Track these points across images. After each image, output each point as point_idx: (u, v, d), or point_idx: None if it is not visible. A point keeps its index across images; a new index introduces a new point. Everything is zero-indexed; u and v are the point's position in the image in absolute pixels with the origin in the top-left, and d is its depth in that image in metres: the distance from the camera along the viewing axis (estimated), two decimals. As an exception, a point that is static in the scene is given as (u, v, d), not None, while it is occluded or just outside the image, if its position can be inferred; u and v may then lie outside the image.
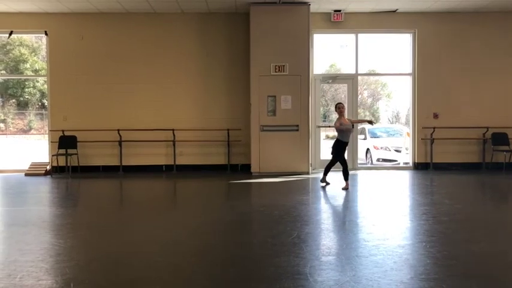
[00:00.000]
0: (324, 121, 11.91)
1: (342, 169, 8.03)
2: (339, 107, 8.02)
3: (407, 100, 11.51)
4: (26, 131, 28.38)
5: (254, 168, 10.11)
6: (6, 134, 25.85)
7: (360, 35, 10.89)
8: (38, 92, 27.46)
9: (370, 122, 8.90)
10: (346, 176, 8.00)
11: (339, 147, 8.02)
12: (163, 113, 10.56)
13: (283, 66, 10.04)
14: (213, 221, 5.68)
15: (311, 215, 5.94)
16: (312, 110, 10.42)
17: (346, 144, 8.08)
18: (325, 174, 8.29)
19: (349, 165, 10.71)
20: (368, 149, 13.37)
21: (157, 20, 10.57)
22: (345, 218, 5.81)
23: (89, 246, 4.49)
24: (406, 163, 11.49)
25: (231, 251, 4.27)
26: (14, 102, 27.83)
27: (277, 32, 9.97)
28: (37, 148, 16.69)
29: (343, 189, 7.87)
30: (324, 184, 8.31)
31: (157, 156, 10.64)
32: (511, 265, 3.85)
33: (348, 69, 11.37)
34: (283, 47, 9.98)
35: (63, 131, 10.40)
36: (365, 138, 13.54)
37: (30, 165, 10.66)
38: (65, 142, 10.31)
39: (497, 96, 10.72)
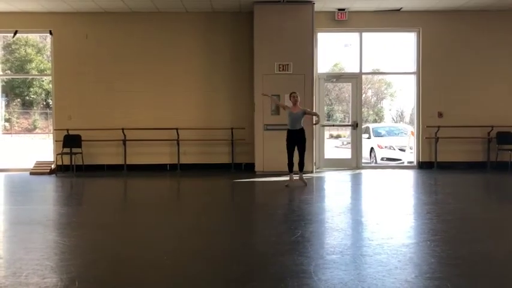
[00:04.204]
0: (328, 120, 11.89)
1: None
2: (293, 96, 8.05)
3: (411, 99, 11.48)
4: (30, 130, 28.51)
5: (258, 167, 10.11)
6: (11, 133, 25.95)
7: (364, 34, 10.86)
8: (43, 92, 27.58)
9: (317, 122, 8.48)
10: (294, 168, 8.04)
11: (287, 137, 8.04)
12: (167, 112, 10.57)
13: (287, 65, 10.03)
14: (217, 219, 5.68)
15: (315, 213, 5.94)
16: (316, 109, 10.39)
17: (290, 132, 7.98)
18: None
19: (353, 164, 10.79)
20: (372, 148, 13.34)
21: (162, 19, 10.58)
22: (349, 217, 5.80)
23: (94, 244, 4.50)
24: (411, 162, 11.45)
25: (235, 250, 4.28)
26: (18, 101, 27.96)
27: (281, 31, 9.96)
28: (42, 147, 16.74)
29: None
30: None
31: (161, 155, 10.65)
32: (516, 264, 3.84)
33: (352, 68, 11.34)
34: (287, 46, 9.97)
35: (67, 130, 10.44)
36: (369, 137, 13.52)
37: (35, 164, 10.70)
38: (69, 141, 10.35)
39: (502, 95, 10.67)
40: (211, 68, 10.66)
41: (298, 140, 7.98)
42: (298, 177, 8.13)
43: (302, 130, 8.00)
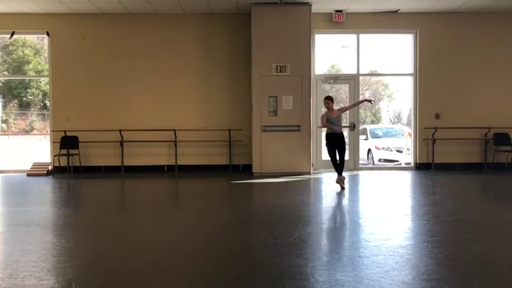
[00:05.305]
0: (325, 121, 11.86)
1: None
2: (325, 103, 8.04)
3: (408, 100, 11.50)
4: (28, 131, 28.43)
5: (256, 169, 10.11)
6: (8, 135, 25.88)
7: (362, 35, 10.88)
8: (40, 93, 27.52)
9: (369, 101, 9.50)
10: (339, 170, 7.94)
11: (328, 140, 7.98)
12: (165, 113, 10.56)
13: (285, 66, 10.04)
14: (215, 221, 5.68)
15: (312, 215, 5.94)
16: (314, 110, 10.42)
17: (331, 135, 7.91)
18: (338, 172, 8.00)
19: (351, 166, 10.78)
20: (369, 150, 13.36)
21: (159, 20, 10.58)
22: (347, 218, 5.81)
23: (91, 246, 4.49)
24: (408, 163, 11.47)
25: (233, 251, 4.27)
26: (16, 102, 27.89)
27: (278, 32, 9.98)
28: (39, 148, 16.69)
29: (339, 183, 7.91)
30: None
31: (159, 157, 10.64)
32: (513, 265, 3.85)
33: (349, 69, 11.39)
34: (284, 47, 9.99)
35: (65, 131, 10.42)
36: (366, 139, 13.53)
37: (32, 165, 10.68)
38: (66, 142, 10.33)
39: (499, 96, 10.71)
40: (209, 70, 10.66)
41: (339, 143, 7.94)
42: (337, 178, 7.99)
43: (342, 134, 8.01)
